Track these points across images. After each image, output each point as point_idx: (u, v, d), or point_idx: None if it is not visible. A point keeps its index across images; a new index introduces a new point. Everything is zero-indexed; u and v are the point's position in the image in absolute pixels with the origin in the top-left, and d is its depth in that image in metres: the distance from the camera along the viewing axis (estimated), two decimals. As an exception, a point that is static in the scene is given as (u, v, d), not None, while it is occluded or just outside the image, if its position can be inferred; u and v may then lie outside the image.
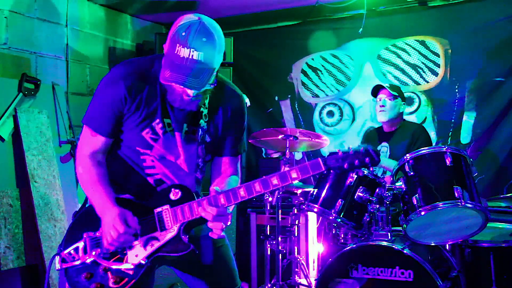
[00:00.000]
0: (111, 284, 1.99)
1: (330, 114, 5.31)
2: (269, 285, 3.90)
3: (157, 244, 2.00)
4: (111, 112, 2.06)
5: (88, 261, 2.03)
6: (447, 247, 3.30)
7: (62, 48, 4.45)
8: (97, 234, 2.04)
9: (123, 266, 2.00)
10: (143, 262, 2.00)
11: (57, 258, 2.07)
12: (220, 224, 1.97)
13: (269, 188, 1.96)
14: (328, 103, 5.32)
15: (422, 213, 2.84)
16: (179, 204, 2.02)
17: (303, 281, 4.05)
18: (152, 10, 5.12)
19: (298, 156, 5.41)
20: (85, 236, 2.05)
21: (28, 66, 4.12)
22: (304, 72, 5.41)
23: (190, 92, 1.98)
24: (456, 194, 2.80)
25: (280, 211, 3.87)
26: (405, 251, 2.88)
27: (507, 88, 4.47)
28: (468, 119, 4.64)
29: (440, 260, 3.17)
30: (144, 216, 2.04)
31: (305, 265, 4.09)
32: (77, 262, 2.03)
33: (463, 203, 2.78)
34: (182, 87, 1.96)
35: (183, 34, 1.93)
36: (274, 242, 3.90)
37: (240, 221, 4.65)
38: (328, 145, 4.25)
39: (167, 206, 2.02)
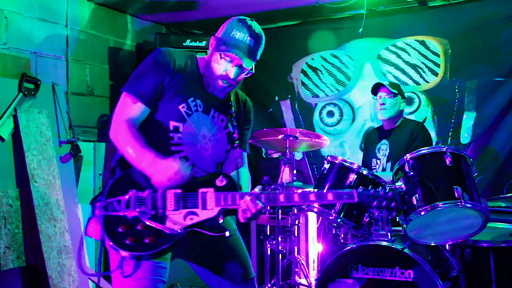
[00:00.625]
0: (145, 240, 2.11)
1: (330, 114, 5.31)
2: (269, 285, 3.90)
3: (196, 219, 2.16)
4: (154, 81, 2.23)
5: (131, 216, 2.13)
6: (447, 247, 3.30)
7: (62, 48, 4.45)
8: (143, 194, 2.14)
9: (162, 228, 2.12)
10: (179, 231, 2.13)
11: (98, 204, 2.16)
12: (248, 215, 2.16)
13: (306, 201, 2.22)
14: (328, 103, 5.32)
15: (422, 213, 2.85)
16: (223, 190, 2.17)
17: (303, 281, 4.05)
18: (152, 10, 5.11)
19: (298, 156, 5.41)
20: (131, 193, 2.15)
21: (28, 66, 4.12)
22: (304, 72, 5.41)
23: (231, 73, 2.26)
24: (456, 194, 2.80)
25: (280, 211, 3.87)
26: (405, 251, 2.89)
27: (507, 88, 4.47)
28: (468, 119, 4.64)
29: (440, 260, 3.18)
30: (190, 192, 2.18)
31: (305, 265, 4.09)
32: (121, 214, 2.14)
33: (463, 203, 2.78)
34: (223, 70, 2.25)
35: (240, 24, 2.27)
36: (274, 242, 3.91)
37: (240, 221, 4.64)
38: (328, 145, 4.26)
39: (212, 189, 2.18)
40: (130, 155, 2.17)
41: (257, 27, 2.31)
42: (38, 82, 4.02)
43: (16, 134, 3.83)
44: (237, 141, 2.44)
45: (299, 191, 2.19)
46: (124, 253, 2.12)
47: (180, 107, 2.25)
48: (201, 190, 2.18)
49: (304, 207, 3.34)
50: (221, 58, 2.26)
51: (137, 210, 2.13)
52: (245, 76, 2.34)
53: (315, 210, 3.24)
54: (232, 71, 2.27)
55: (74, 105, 4.47)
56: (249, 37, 2.26)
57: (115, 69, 4.93)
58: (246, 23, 2.28)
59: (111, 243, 2.12)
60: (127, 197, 2.15)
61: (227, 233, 2.18)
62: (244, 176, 2.46)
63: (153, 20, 5.47)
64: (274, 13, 5.18)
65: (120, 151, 2.22)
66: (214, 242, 2.32)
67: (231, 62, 2.26)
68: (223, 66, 2.26)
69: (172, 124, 2.25)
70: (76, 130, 4.33)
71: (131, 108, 2.22)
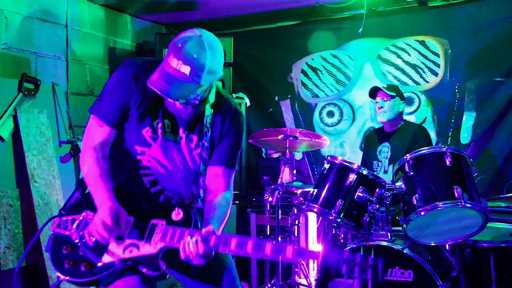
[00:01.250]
0: (82, 268, 2.00)
1: (330, 114, 5.31)
2: (269, 285, 3.90)
3: (135, 253, 1.99)
4: (119, 102, 2.10)
5: (73, 238, 2.05)
6: (447, 247, 3.30)
7: (62, 48, 4.45)
8: (92, 217, 2.06)
9: (96, 259, 2.00)
10: (115, 263, 1.99)
11: (55, 220, 2.10)
12: (188, 255, 1.93)
13: (260, 252, 1.88)
14: (328, 103, 5.32)
15: (422, 213, 2.84)
16: (174, 225, 2.01)
17: (303, 281, 4.05)
18: (152, 10, 5.12)
19: (298, 156, 5.41)
20: (84, 214, 2.08)
21: (28, 66, 4.12)
22: (304, 72, 5.41)
23: (178, 101, 2.01)
24: (456, 194, 2.80)
25: (280, 211, 3.87)
26: (405, 251, 2.88)
27: (507, 88, 4.47)
28: (468, 119, 4.64)
29: (440, 260, 3.17)
30: (139, 221, 2.05)
31: (305, 265, 4.09)
32: (67, 233, 2.06)
33: (463, 203, 2.78)
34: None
35: (179, 45, 1.94)
36: (274, 242, 3.89)
37: (240, 221, 4.65)
38: (328, 145, 4.26)
39: (163, 222, 2.02)
40: (89, 185, 2.08)
41: (199, 47, 1.93)
42: (38, 82, 4.02)
43: (16, 134, 3.83)
44: (217, 157, 2.22)
45: (273, 246, 1.87)
46: (61, 276, 2.01)
47: (144, 131, 2.11)
48: (153, 221, 2.03)
49: (304, 207, 3.33)
50: None
51: (80, 233, 2.03)
52: (196, 102, 2.03)
53: (315, 210, 3.24)
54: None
55: (74, 105, 4.47)
56: (182, 66, 1.91)
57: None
58: (186, 43, 1.93)
59: (52, 262, 2.03)
60: (80, 217, 2.07)
61: (162, 274, 1.97)
62: (221, 206, 2.17)
63: (153, 20, 5.48)
64: (274, 13, 5.18)
65: (83, 176, 2.13)
66: None
67: None
68: None
69: (138, 148, 2.14)
70: (76, 130, 4.33)
71: (98, 132, 2.12)
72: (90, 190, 2.09)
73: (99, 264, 1.98)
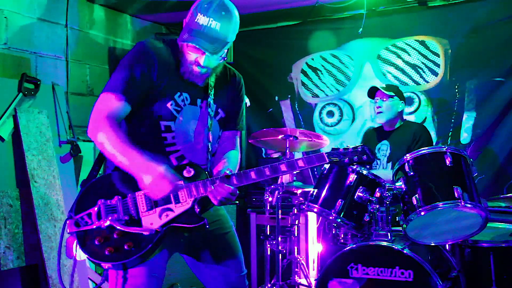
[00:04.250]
0: (125, 247, 2.07)
1: (330, 114, 5.31)
2: (269, 285, 3.90)
3: (171, 215, 2.12)
4: (137, 81, 2.14)
5: (104, 225, 2.09)
6: (447, 247, 3.30)
7: (62, 48, 4.45)
8: (112, 201, 2.11)
9: (139, 231, 2.08)
10: (157, 230, 2.10)
11: (69, 222, 2.13)
12: (219, 199, 2.11)
13: (278, 173, 2.14)
14: (328, 103, 5.32)
15: (422, 213, 2.84)
16: (192, 181, 2.14)
17: (303, 281, 4.05)
18: (152, 10, 5.12)
19: (298, 156, 5.41)
20: (99, 202, 2.12)
21: (28, 66, 4.12)
22: (304, 72, 5.41)
23: (201, 60, 2.15)
24: (456, 194, 2.80)
25: (280, 211, 3.87)
26: (405, 251, 2.89)
27: (507, 88, 4.47)
28: (468, 119, 4.64)
29: (440, 260, 3.17)
30: None
31: (305, 265, 4.09)
32: (94, 226, 2.10)
33: (463, 203, 2.78)
34: (194, 58, 2.16)
35: (205, 6, 2.12)
36: (274, 242, 3.90)
37: (240, 221, 4.65)
38: (328, 145, 4.26)
39: (181, 182, 2.13)
40: (115, 154, 2.08)
41: (224, 6, 2.15)
42: (38, 82, 4.01)
43: (16, 134, 3.83)
44: (224, 123, 2.40)
45: (286, 162, 2.16)
46: (106, 265, 2.08)
47: (168, 105, 2.20)
48: None
49: (304, 207, 3.33)
50: (187, 47, 2.16)
51: (109, 218, 2.08)
52: (220, 61, 2.23)
53: (315, 210, 3.24)
54: (201, 59, 2.16)
55: (74, 105, 4.47)
56: (213, 22, 2.10)
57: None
58: (212, 3, 2.12)
59: (90, 258, 2.07)
60: (96, 208, 2.11)
61: (204, 224, 2.13)
62: (231, 160, 2.36)
63: (153, 20, 5.47)
64: (274, 13, 5.18)
65: (101, 150, 2.13)
66: (209, 237, 2.32)
67: (198, 50, 2.15)
68: (193, 54, 2.17)
69: (163, 124, 2.20)
70: (76, 130, 4.33)
71: (111, 104, 2.12)
72: (121, 160, 2.07)
73: (146, 233, 2.07)
